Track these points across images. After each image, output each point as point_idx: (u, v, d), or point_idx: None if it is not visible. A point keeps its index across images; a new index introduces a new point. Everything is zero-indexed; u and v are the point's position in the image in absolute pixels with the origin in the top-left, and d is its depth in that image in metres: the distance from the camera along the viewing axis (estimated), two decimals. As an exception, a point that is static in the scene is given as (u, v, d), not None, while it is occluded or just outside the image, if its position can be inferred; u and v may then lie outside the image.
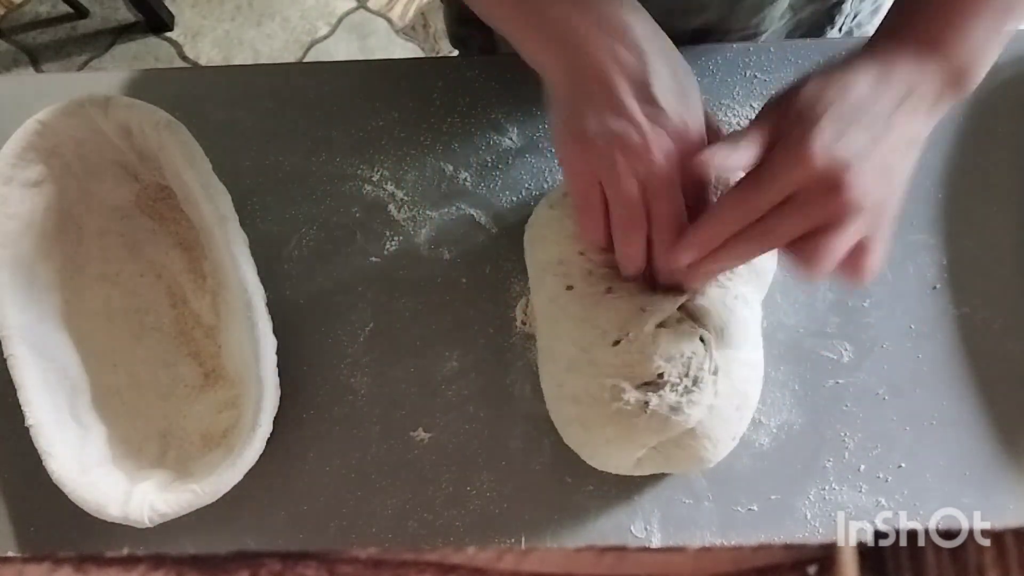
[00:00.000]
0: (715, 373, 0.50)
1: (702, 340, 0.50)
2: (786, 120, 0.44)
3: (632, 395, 0.49)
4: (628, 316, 0.50)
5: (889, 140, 0.43)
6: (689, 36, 0.65)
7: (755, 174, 0.44)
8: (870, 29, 0.75)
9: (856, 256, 0.45)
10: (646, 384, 0.50)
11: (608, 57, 0.45)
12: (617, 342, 0.50)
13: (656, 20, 0.64)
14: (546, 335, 0.54)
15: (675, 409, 0.49)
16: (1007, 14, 0.44)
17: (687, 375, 0.50)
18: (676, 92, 0.46)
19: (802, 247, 0.44)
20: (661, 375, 0.49)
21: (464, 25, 0.79)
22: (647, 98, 0.45)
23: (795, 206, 0.43)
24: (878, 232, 0.45)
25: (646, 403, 0.49)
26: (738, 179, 0.47)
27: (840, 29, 0.70)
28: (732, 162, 0.44)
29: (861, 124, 0.42)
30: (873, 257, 0.45)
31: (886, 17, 0.47)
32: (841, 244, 0.43)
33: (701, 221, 0.45)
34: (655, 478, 0.54)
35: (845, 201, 0.42)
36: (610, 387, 0.50)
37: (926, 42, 0.44)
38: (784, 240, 0.44)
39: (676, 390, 0.49)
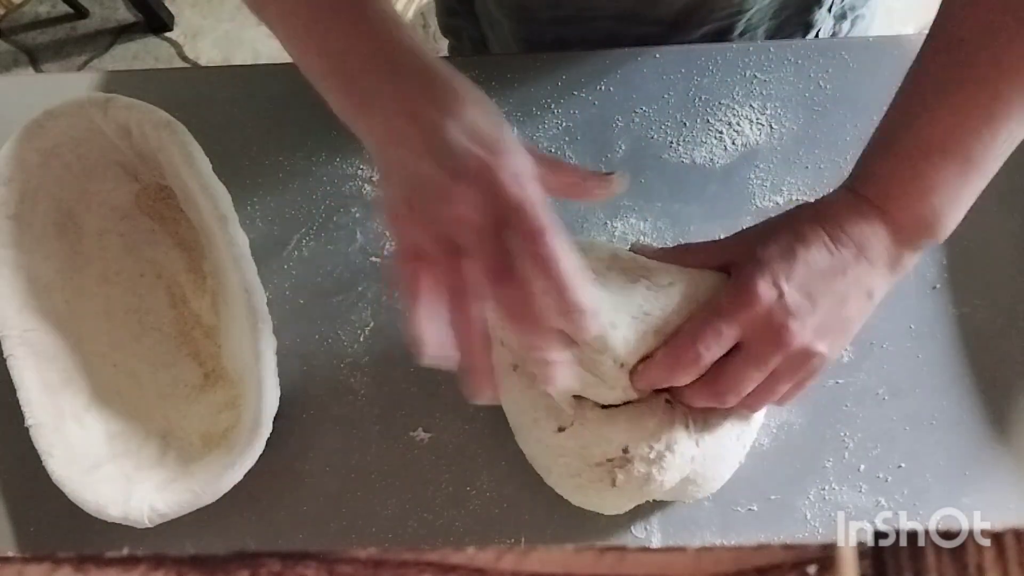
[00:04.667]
0: (697, 432, 0.48)
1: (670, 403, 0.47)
2: (739, 260, 0.45)
3: (591, 474, 0.47)
4: (568, 405, 0.47)
5: (836, 297, 0.44)
6: (673, 16, 0.65)
7: (702, 316, 0.45)
8: (865, 13, 0.74)
9: (785, 395, 0.47)
10: (609, 460, 0.47)
11: (402, 121, 0.40)
12: (562, 429, 0.48)
13: (641, 1, 0.63)
14: (506, 400, 0.52)
15: (647, 479, 0.47)
16: (967, 172, 0.43)
17: (656, 446, 0.46)
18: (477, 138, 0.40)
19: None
20: (626, 450, 0.46)
21: (453, 16, 0.80)
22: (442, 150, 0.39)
23: (742, 355, 0.44)
24: (811, 380, 0.46)
25: (612, 480, 0.47)
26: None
27: (830, 9, 0.70)
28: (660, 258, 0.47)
29: (809, 280, 0.43)
30: (795, 396, 0.47)
31: (860, 159, 0.47)
32: (776, 386, 0.46)
33: (651, 362, 0.45)
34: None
35: (789, 352, 0.43)
36: (567, 466, 0.48)
37: (879, 202, 0.45)
38: (737, 396, 0.45)
39: (646, 461, 0.46)
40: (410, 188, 0.41)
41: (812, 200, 0.48)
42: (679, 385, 0.46)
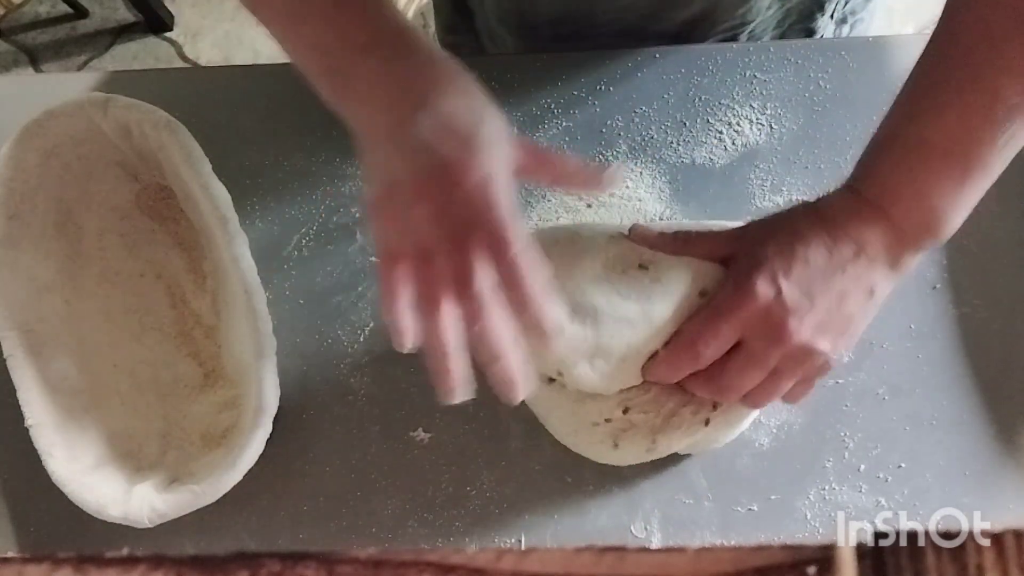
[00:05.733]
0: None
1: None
2: (738, 256, 0.46)
3: (589, 434, 0.50)
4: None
5: (836, 295, 0.44)
6: (676, 29, 0.65)
7: (702, 316, 0.45)
8: (865, 16, 0.74)
9: (790, 393, 0.47)
10: (607, 420, 0.50)
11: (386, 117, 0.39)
12: (552, 380, 0.50)
13: (644, 14, 0.63)
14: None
15: (651, 447, 0.50)
16: (969, 174, 0.43)
17: (664, 408, 0.50)
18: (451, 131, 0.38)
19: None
20: (626, 410, 0.50)
21: (453, 33, 0.80)
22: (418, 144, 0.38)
23: (743, 353, 0.45)
24: (817, 377, 0.47)
25: (614, 443, 0.50)
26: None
27: (832, 16, 0.70)
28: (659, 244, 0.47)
29: (808, 278, 0.44)
30: (803, 395, 0.47)
31: (861, 158, 0.47)
32: (779, 384, 0.46)
33: (655, 361, 0.46)
34: (655, 478, 0.54)
35: (789, 349, 0.44)
36: (562, 420, 0.51)
37: (879, 203, 0.44)
38: (738, 393, 0.46)
39: (650, 426, 0.50)
40: (384, 183, 0.39)
41: (811, 201, 0.48)
42: (687, 370, 0.47)
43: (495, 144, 0.39)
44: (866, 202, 0.45)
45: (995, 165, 0.43)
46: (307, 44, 0.42)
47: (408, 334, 0.39)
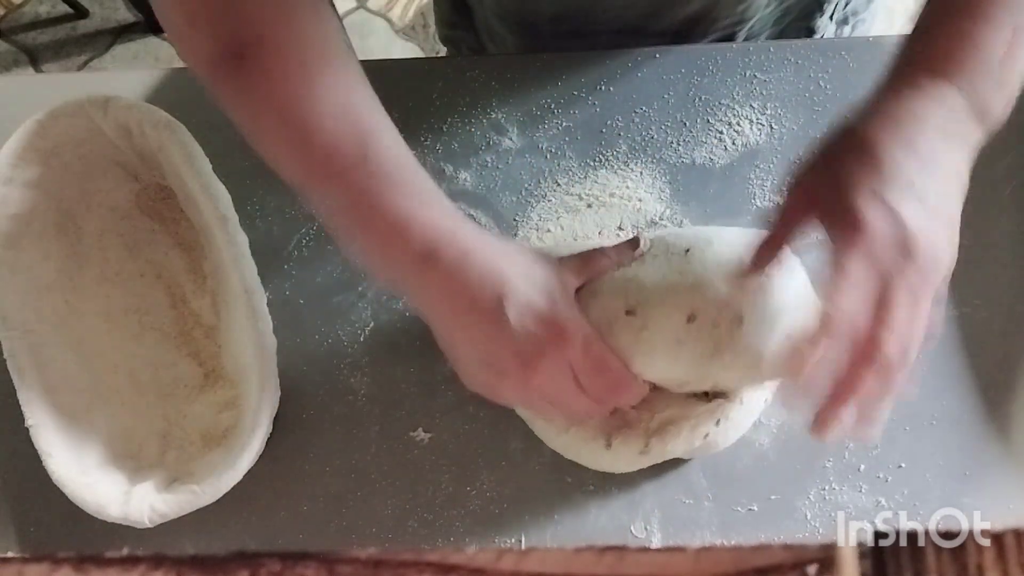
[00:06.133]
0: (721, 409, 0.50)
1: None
2: (823, 199, 0.41)
3: (580, 431, 0.51)
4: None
5: (936, 185, 0.40)
6: (676, 27, 0.65)
7: (840, 284, 0.38)
8: (867, 17, 0.74)
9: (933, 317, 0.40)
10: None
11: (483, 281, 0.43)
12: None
13: (644, 12, 0.63)
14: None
15: (645, 450, 0.50)
16: (1017, 35, 0.42)
17: (661, 415, 0.50)
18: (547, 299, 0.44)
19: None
20: (614, 411, 0.50)
21: (453, 28, 0.80)
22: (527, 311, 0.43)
23: (896, 295, 0.38)
24: (942, 287, 0.41)
25: (607, 442, 0.51)
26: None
27: (832, 17, 0.70)
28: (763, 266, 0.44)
29: (905, 178, 0.39)
30: (939, 316, 0.41)
31: (900, 53, 0.45)
32: (923, 309, 0.39)
33: (832, 396, 0.39)
34: (655, 478, 0.54)
35: (923, 262, 0.38)
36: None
37: (945, 69, 0.42)
38: (901, 337, 0.38)
39: (644, 431, 0.50)
40: (487, 365, 0.45)
41: (862, 107, 0.43)
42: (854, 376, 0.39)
43: (570, 307, 0.45)
44: (934, 73, 0.42)
45: None
46: (369, 254, 0.45)
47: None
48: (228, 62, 0.43)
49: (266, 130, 0.45)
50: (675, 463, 0.54)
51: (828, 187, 0.41)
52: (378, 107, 0.44)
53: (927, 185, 0.39)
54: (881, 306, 0.38)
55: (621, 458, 0.51)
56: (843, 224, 0.39)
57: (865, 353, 0.37)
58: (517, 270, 0.44)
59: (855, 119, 0.42)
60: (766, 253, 0.45)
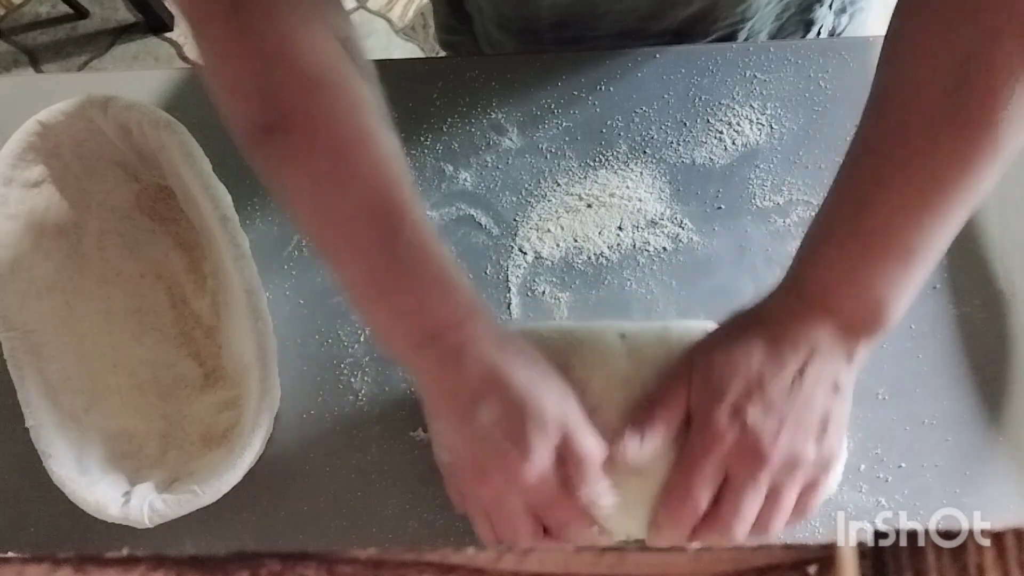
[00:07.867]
0: None
1: None
2: (695, 398, 0.45)
3: None
4: None
5: (802, 401, 0.43)
6: (677, 27, 0.65)
7: (682, 467, 0.44)
8: (864, 6, 0.74)
9: (799, 504, 0.45)
10: None
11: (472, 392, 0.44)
12: None
13: (645, 15, 0.63)
14: None
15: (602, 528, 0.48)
16: (910, 263, 0.42)
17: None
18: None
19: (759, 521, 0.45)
20: None
21: (451, 33, 0.80)
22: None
23: (732, 486, 0.43)
24: (823, 478, 0.45)
25: None
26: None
27: (831, 6, 0.70)
28: (643, 454, 0.45)
29: (769, 395, 0.43)
30: (815, 500, 0.46)
31: (793, 264, 0.46)
32: (782, 501, 0.44)
33: (657, 527, 0.46)
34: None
35: (773, 468, 0.43)
36: None
37: (822, 300, 0.43)
38: (745, 524, 0.44)
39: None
40: (451, 452, 0.47)
41: (752, 306, 0.46)
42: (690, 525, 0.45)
43: (556, 426, 0.43)
44: (809, 302, 0.44)
45: (936, 252, 0.42)
46: (373, 329, 0.47)
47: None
48: (261, 133, 0.43)
49: (293, 203, 0.45)
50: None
51: (701, 395, 0.44)
52: (407, 183, 0.44)
53: (795, 400, 0.43)
54: (718, 498, 0.44)
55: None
56: (703, 432, 0.44)
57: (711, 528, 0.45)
58: (521, 377, 0.44)
59: (745, 319, 0.46)
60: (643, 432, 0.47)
